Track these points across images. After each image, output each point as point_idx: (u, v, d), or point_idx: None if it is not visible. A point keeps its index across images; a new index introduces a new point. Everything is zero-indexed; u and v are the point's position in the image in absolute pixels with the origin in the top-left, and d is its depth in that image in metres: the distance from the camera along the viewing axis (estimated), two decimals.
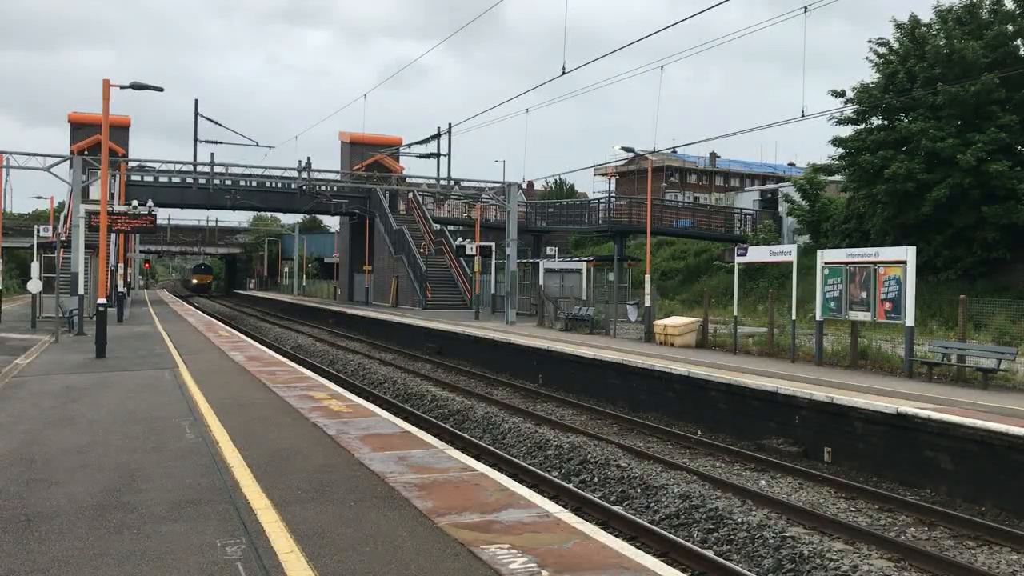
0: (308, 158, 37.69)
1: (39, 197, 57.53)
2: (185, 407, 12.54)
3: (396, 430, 10.85)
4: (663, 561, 6.13)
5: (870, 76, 35.99)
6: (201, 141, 36.27)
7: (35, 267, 28.30)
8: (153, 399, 13.39)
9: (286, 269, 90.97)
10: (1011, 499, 11.32)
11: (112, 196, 38.05)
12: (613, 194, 65.59)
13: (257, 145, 38.59)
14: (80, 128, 51.24)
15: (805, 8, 16.42)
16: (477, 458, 11.23)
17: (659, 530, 10.29)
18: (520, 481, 10.05)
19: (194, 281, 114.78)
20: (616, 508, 11.32)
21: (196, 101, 37.17)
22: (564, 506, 8.24)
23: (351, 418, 11.59)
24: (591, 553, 6.05)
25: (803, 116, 18.37)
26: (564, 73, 19.63)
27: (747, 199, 56.05)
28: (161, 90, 20.68)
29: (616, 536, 7.11)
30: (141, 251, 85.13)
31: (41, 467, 8.74)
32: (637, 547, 6.70)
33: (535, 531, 6.53)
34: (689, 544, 9.79)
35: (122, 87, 20.10)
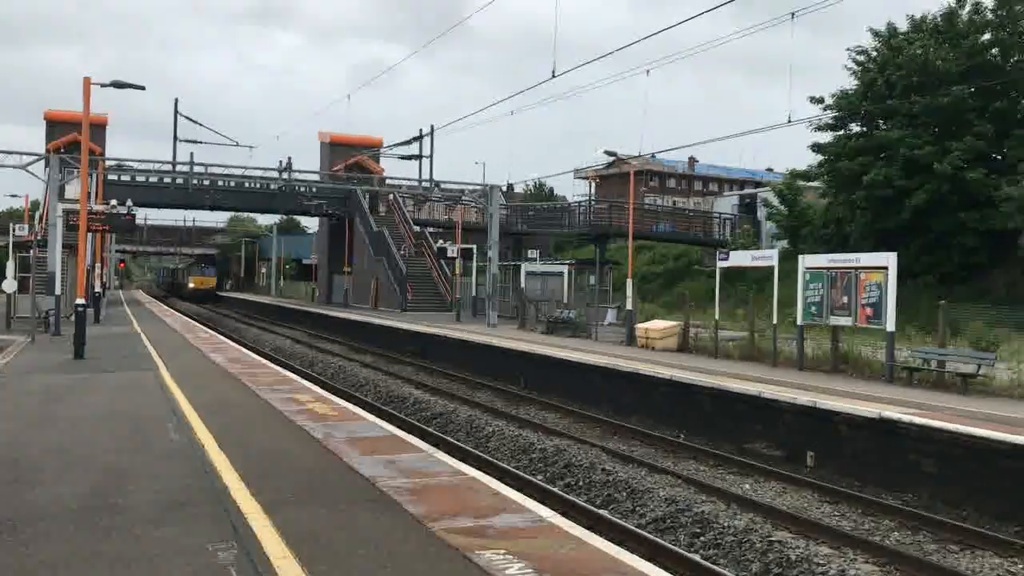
0: (289, 158, 37.56)
1: (14, 195, 56.82)
2: (168, 409, 12.42)
3: (383, 434, 10.80)
4: (658, 566, 6.12)
5: (848, 83, 36.40)
6: (181, 140, 36.01)
7: (10, 266, 27.96)
8: (135, 400, 13.26)
9: (263, 270, 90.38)
10: (992, 503, 11.42)
11: (88, 195, 37.64)
12: (594, 198, 65.73)
13: (237, 145, 38.42)
14: (56, 126, 50.80)
15: (792, 14, 16.58)
16: (463, 461, 11.20)
17: (646, 534, 10.30)
18: (507, 486, 10.01)
19: (191, 285, 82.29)
20: (602, 512, 11.33)
21: (176, 100, 37.00)
22: (556, 511, 8.21)
23: (337, 421, 11.53)
24: (586, 558, 6.04)
25: (790, 122, 18.50)
26: (554, 76, 19.71)
27: (726, 204, 56.35)
28: (143, 88, 20.50)
29: (609, 541, 7.08)
30: (116, 251, 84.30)
31: (25, 468, 8.62)
32: (632, 552, 6.67)
33: (529, 536, 6.51)
34: (677, 549, 9.81)
35: (103, 85, 19.88)
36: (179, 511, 7.11)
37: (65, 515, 6.97)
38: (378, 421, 11.85)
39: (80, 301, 20.21)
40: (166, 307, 56.35)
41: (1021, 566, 9.69)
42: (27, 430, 10.70)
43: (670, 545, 9.92)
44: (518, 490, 8.98)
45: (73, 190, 34.10)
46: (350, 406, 13.33)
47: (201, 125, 36.15)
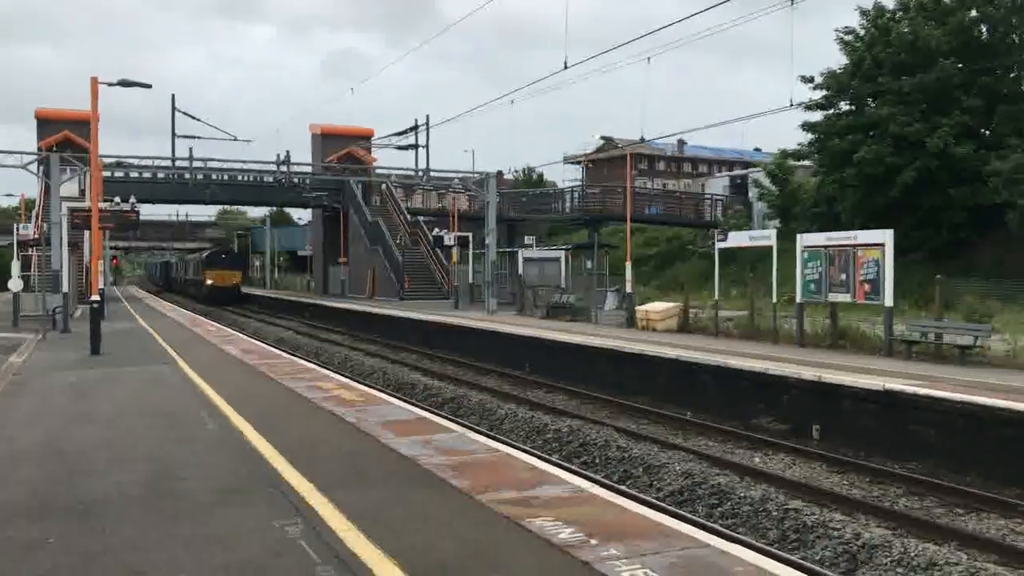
0: (287, 152, 37.82)
1: (9, 195, 56.69)
2: (197, 400, 12.80)
3: (413, 416, 11.23)
4: (701, 529, 6.58)
5: (835, 62, 36.86)
6: (179, 136, 36.21)
7: (15, 265, 28.21)
8: (162, 393, 13.64)
9: (257, 263, 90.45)
10: (995, 469, 11.92)
11: (83, 193, 37.81)
12: (584, 183, 66.10)
13: (236, 139, 38.65)
14: (47, 124, 50.84)
15: (792, 0, 16.98)
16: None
17: (666, 507, 10.75)
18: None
19: (208, 282, 60.79)
20: (622, 487, 11.77)
21: (173, 96, 37.16)
22: (595, 482, 8.66)
23: (365, 406, 11.94)
24: (632, 523, 6.49)
25: (791, 105, 18.94)
26: (566, 67, 20.11)
27: (717, 185, 56.89)
28: (149, 87, 20.77)
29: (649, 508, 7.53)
30: (110, 247, 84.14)
31: (76, 460, 8.98)
32: (674, 518, 7.13)
33: (573, 505, 6.95)
34: (696, 519, 10.27)
35: (110, 84, 20.13)
36: (236, 494, 7.50)
37: (129, 501, 7.35)
38: (405, 405, 12.30)
39: (95, 298, 20.52)
40: (165, 302, 56.59)
41: None
42: (66, 425, 11.03)
43: (690, 515, 10.38)
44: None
45: (67, 188, 34.30)
46: (374, 391, 13.78)
47: (198, 120, 36.46)
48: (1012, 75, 33.89)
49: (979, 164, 31.31)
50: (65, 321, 26.63)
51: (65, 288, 27.31)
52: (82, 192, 37.47)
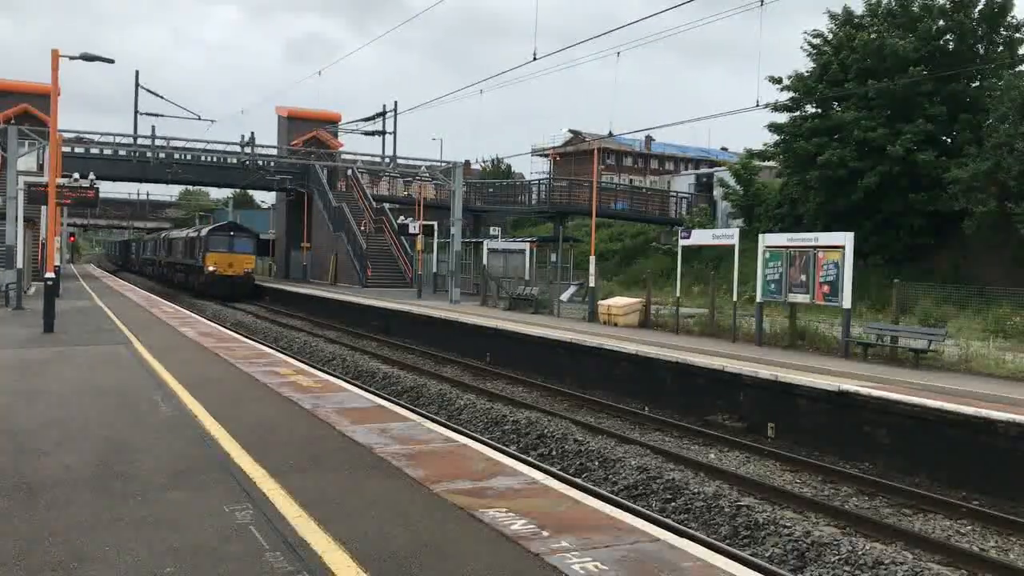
0: (252, 133, 37.40)
1: None
2: (152, 381, 12.63)
3: (370, 404, 11.16)
4: (653, 524, 6.61)
5: (798, 66, 37.25)
6: (141, 114, 35.63)
7: None
8: (116, 373, 13.43)
9: None
10: (943, 471, 12.16)
11: (41, 167, 37.11)
12: (552, 175, 66.13)
13: (200, 118, 38.14)
14: (6, 96, 50.01)
15: (762, 1, 17.06)
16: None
17: (620, 500, 10.81)
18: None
19: (209, 268, 44.85)
20: (577, 480, 11.81)
21: (137, 72, 36.52)
22: (549, 474, 8.68)
23: (322, 393, 11.86)
24: (584, 516, 6.51)
25: (758, 105, 19.09)
26: (535, 59, 20.06)
27: (683, 183, 57.16)
28: (112, 61, 20.40)
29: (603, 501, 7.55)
30: (68, 224, 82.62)
31: (24, 439, 8.82)
32: (627, 511, 7.16)
33: (527, 496, 6.96)
34: (650, 513, 10.34)
35: (72, 58, 19.75)
36: (188, 478, 7.41)
37: (78, 482, 7.23)
38: (363, 392, 12.22)
39: (49, 275, 20.15)
40: (123, 281, 55.77)
41: (969, 527, 10.41)
42: (15, 404, 10.81)
43: (643, 509, 10.45)
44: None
45: (25, 162, 33.58)
46: (332, 378, 13.67)
47: (161, 97, 35.85)
48: (975, 84, 34.37)
49: (939, 171, 31.73)
50: (18, 298, 26.15)
51: (19, 264, 26.78)
52: (40, 167, 36.78)
